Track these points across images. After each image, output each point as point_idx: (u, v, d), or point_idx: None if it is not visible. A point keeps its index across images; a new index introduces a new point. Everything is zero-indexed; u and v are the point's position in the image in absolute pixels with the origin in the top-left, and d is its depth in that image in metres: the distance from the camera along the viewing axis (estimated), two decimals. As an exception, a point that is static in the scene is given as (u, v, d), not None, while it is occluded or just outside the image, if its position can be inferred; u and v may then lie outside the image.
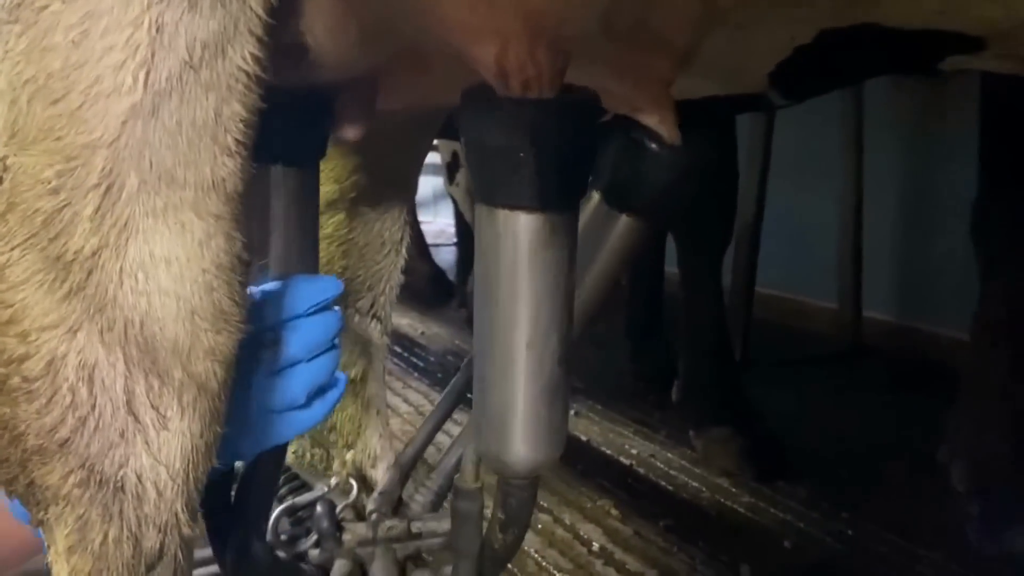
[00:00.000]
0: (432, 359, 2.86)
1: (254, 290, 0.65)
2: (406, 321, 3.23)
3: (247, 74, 0.50)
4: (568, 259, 0.63)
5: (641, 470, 2.00)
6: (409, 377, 2.64)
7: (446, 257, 4.12)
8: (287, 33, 0.56)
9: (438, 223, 5.12)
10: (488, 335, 0.66)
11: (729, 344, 2.17)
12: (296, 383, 0.65)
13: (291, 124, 0.65)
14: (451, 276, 3.69)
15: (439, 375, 2.66)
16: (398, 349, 2.88)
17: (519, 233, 0.61)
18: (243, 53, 0.49)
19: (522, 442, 0.66)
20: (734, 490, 1.90)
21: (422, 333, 3.19)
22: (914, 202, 2.90)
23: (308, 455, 0.99)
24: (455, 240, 3.82)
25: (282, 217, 0.69)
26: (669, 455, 2.06)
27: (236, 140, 0.51)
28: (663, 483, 1.93)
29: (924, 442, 1.93)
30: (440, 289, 3.59)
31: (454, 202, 3.43)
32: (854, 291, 2.95)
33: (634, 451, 2.08)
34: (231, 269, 0.54)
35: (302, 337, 0.65)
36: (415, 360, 2.84)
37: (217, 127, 0.50)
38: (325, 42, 0.58)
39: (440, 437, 1.12)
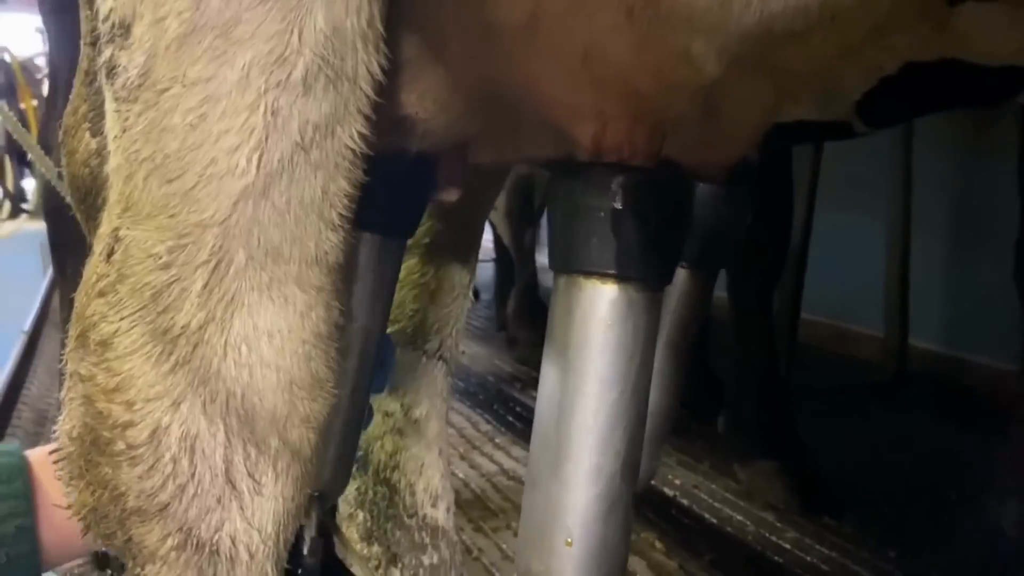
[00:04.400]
0: (474, 380, 2.87)
1: None
2: (448, 341, 3.23)
3: (354, 152, 0.51)
4: (644, 342, 0.56)
5: (685, 501, 1.98)
6: (451, 399, 2.65)
7: (485, 273, 4.13)
8: (401, 106, 0.57)
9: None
10: (541, 419, 0.59)
11: (778, 376, 2.15)
12: None
13: (396, 193, 0.63)
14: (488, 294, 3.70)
15: (480, 396, 2.66)
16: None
17: (592, 304, 0.56)
18: (351, 132, 0.50)
19: (564, 560, 0.55)
20: (779, 524, 1.88)
21: (463, 353, 3.19)
22: (963, 229, 2.86)
23: (371, 492, 1.00)
24: (493, 256, 3.83)
25: (369, 278, 0.68)
26: (713, 487, 2.05)
27: (340, 215, 0.52)
28: (707, 516, 1.92)
29: (973, 477, 1.89)
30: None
31: (492, 226, 3.44)
32: (901, 319, 2.92)
33: (677, 482, 2.07)
34: (328, 337, 0.55)
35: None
36: (457, 381, 2.84)
37: (323, 204, 0.51)
38: (435, 114, 0.59)
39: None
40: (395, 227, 0.65)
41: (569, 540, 0.55)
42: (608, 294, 0.55)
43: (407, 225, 0.67)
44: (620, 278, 0.55)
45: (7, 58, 4.40)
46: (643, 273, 0.56)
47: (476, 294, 3.63)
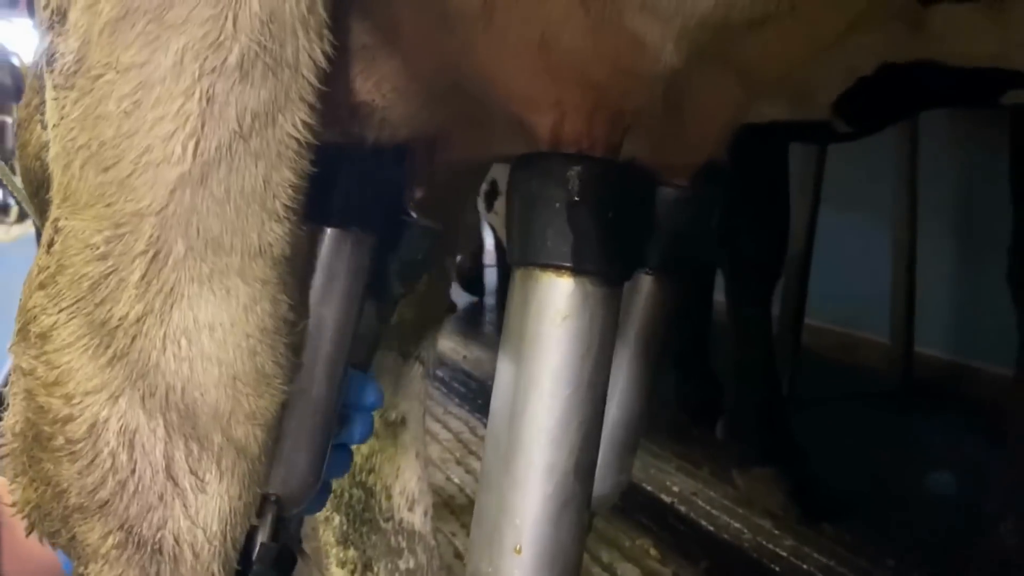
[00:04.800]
0: (473, 384, 2.85)
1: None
2: (449, 346, 3.23)
3: (297, 141, 0.50)
4: (600, 337, 0.54)
5: (682, 508, 1.96)
6: (449, 403, 2.64)
7: (489, 279, 4.12)
8: (356, 92, 0.56)
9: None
10: (494, 416, 0.57)
11: (778, 382, 2.13)
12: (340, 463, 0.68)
13: (362, 185, 0.61)
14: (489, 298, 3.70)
15: (479, 401, 2.65)
16: (439, 374, 2.88)
17: (547, 297, 0.54)
18: (294, 120, 0.49)
19: (513, 562, 0.53)
20: (777, 532, 1.86)
21: (464, 357, 3.19)
22: (970, 235, 2.83)
23: (347, 495, 0.99)
24: (496, 262, 3.83)
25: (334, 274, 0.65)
26: (711, 493, 2.03)
27: (284, 206, 0.51)
28: (704, 523, 1.90)
29: (976, 486, 1.87)
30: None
31: (492, 230, 3.43)
32: (906, 326, 2.89)
33: (676, 488, 2.05)
34: (275, 332, 0.54)
35: (365, 428, 0.68)
36: (456, 385, 2.84)
37: (266, 194, 0.50)
38: (393, 101, 0.58)
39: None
40: (361, 220, 0.62)
41: (518, 547, 0.53)
42: (564, 287, 0.53)
43: (374, 219, 0.64)
44: (576, 271, 0.53)
45: (16, 62, 4.42)
46: (600, 266, 0.54)
47: (452, 307, 3.61)
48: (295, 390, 0.58)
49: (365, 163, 0.62)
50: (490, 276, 4.21)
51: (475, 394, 2.75)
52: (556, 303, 0.53)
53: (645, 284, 0.68)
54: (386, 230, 0.65)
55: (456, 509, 1.89)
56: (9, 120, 4.32)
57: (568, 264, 0.53)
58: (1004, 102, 0.95)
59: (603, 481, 0.61)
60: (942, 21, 0.67)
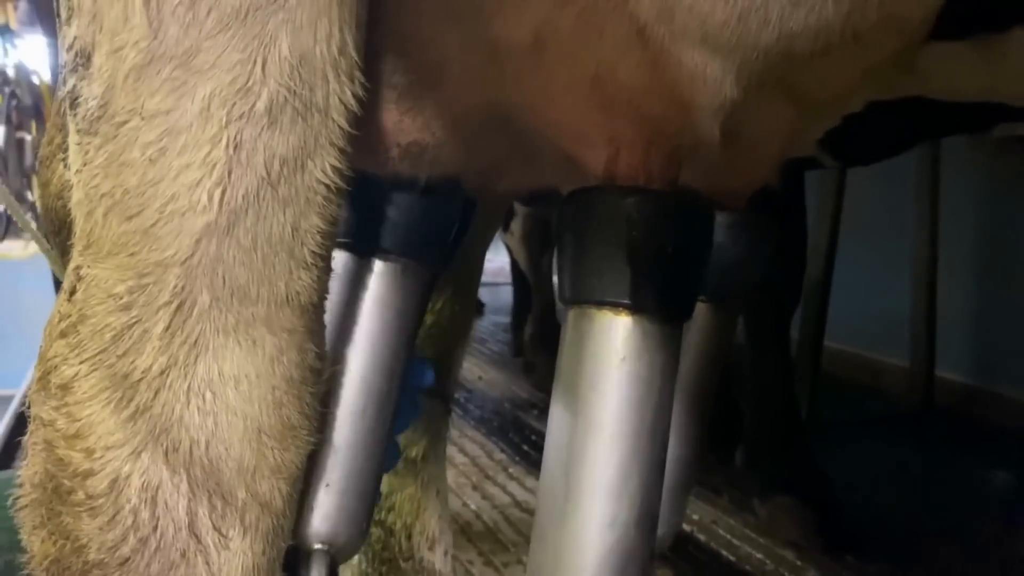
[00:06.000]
0: (489, 407, 2.83)
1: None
2: (465, 366, 3.19)
3: (327, 186, 0.48)
4: (661, 379, 0.51)
5: (702, 537, 1.93)
6: (466, 426, 2.61)
7: (505, 297, 4.10)
8: (405, 132, 0.54)
9: (497, 261, 5.12)
10: (548, 464, 0.54)
11: (797, 408, 2.10)
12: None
13: (414, 221, 0.60)
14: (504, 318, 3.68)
15: (495, 423, 2.62)
16: (455, 396, 2.85)
17: (604, 337, 0.51)
18: (323, 166, 0.47)
19: None
20: (799, 563, 1.82)
21: (480, 378, 3.16)
22: (991, 258, 2.79)
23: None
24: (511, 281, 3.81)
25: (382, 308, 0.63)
26: (732, 522, 1.99)
27: (313, 252, 0.49)
28: (725, 552, 1.86)
29: (1002, 515, 1.83)
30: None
31: (509, 250, 3.42)
32: (927, 349, 2.85)
33: (695, 516, 2.01)
34: (302, 382, 0.52)
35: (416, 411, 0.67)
36: (472, 408, 2.81)
37: (294, 241, 0.48)
38: (443, 140, 0.56)
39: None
40: (414, 251, 0.60)
41: None
42: (622, 327, 0.51)
43: (428, 251, 0.62)
44: (635, 309, 0.51)
45: (36, 80, 4.45)
46: (660, 304, 0.51)
47: (480, 308, 3.60)
48: (340, 438, 0.57)
49: (417, 198, 0.60)
50: (504, 294, 4.19)
51: (492, 417, 2.73)
52: (613, 344, 0.51)
53: (700, 313, 0.65)
54: (439, 260, 0.63)
55: (473, 536, 1.86)
56: (28, 137, 4.35)
57: (626, 302, 0.51)
58: (996, 134, 0.93)
59: (660, 523, 0.59)
60: (930, 59, 0.65)
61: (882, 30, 0.52)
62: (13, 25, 4.32)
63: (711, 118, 0.52)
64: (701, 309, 0.68)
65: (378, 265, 0.60)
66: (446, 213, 0.63)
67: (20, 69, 4.35)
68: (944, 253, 2.79)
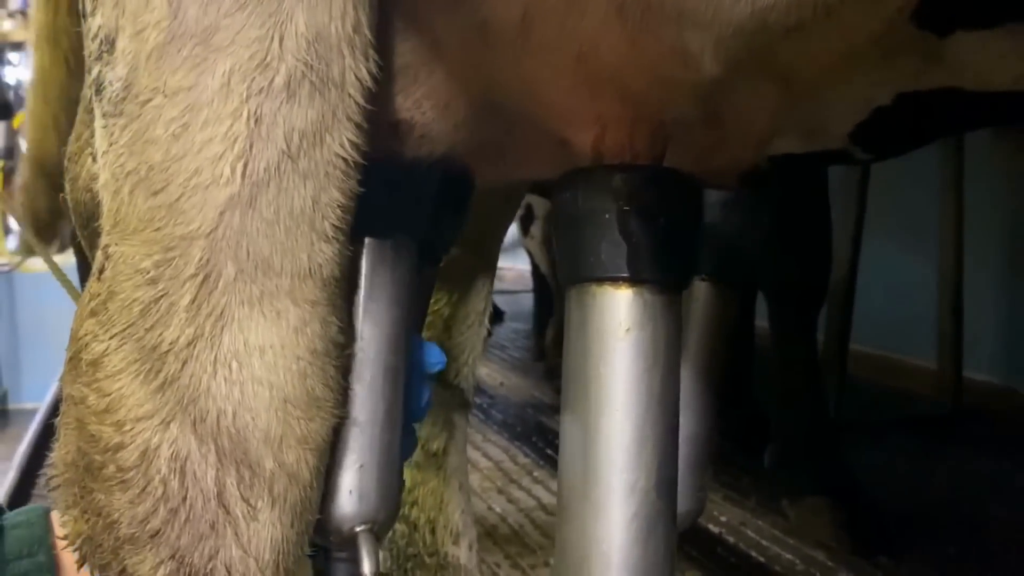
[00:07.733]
0: (512, 411, 2.83)
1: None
2: (485, 371, 3.20)
3: (345, 160, 0.49)
4: (665, 348, 0.53)
5: (731, 539, 1.91)
6: (488, 431, 2.61)
7: (525, 304, 4.10)
8: (397, 110, 0.55)
9: (516, 268, 5.12)
10: (566, 441, 0.55)
11: (825, 407, 2.08)
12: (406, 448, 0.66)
13: (401, 198, 0.60)
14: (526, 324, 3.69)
15: (519, 428, 2.62)
16: (477, 400, 2.85)
17: (607, 311, 0.53)
18: (341, 140, 0.49)
19: None
20: (830, 564, 1.80)
21: (501, 384, 3.16)
22: (1018, 256, 2.76)
23: (390, 530, 0.97)
24: (532, 287, 3.81)
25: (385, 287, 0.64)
26: (760, 523, 1.97)
27: (333, 226, 0.50)
28: (754, 554, 1.85)
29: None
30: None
31: (530, 255, 3.43)
32: (954, 350, 2.81)
33: (723, 518, 2.00)
34: (325, 355, 0.53)
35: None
36: (495, 412, 2.81)
37: (315, 214, 0.49)
38: (433, 119, 0.58)
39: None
40: (400, 229, 0.61)
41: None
42: (623, 299, 0.52)
43: (413, 229, 0.63)
44: (634, 281, 0.52)
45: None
46: (657, 274, 0.53)
47: (500, 315, 3.58)
48: (363, 415, 0.57)
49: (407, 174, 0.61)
50: (525, 302, 4.19)
51: (514, 421, 2.73)
52: (617, 316, 0.52)
53: (701, 292, 0.67)
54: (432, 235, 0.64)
55: (499, 539, 1.86)
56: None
57: (625, 275, 0.52)
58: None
59: (683, 499, 0.60)
60: (961, 49, 0.65)
61: (855, 8, 0.53)
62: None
63: (693, 95, 0.53)
64: (702, 288, 0.69)
65: (368, 242, 0.61)
66: (428, 183, 0.63)
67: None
68: (970, 252, 2.77)
